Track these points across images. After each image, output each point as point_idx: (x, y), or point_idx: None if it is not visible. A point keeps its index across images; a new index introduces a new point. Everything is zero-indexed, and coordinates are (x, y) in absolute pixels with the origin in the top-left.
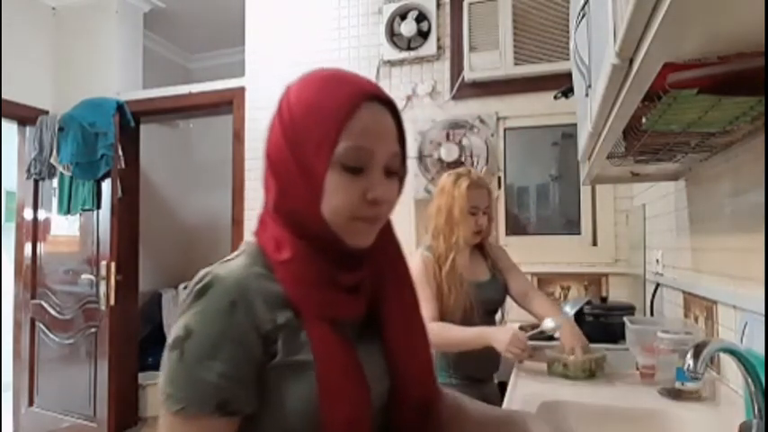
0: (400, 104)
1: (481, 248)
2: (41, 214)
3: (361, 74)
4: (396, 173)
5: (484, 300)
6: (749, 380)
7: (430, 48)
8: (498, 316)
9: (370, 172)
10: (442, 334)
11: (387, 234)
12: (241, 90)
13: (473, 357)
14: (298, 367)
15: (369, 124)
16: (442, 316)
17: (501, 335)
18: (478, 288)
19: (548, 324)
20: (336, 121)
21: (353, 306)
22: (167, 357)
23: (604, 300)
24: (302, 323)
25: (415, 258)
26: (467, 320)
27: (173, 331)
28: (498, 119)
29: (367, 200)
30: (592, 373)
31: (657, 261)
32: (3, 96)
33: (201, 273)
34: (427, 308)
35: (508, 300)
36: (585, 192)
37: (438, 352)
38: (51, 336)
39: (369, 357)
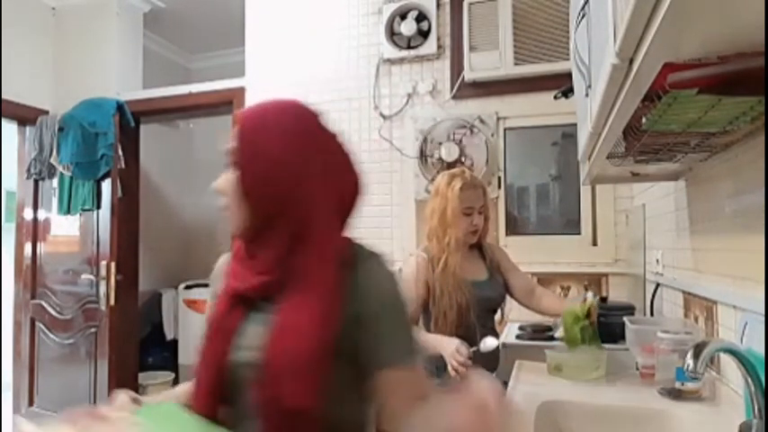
0: (401, 102)
1: (479, 248)
2: (41, 214)
3: (359, 72)
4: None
5: (481, 298)
6: (749, 380)
7: (430, 47)
8: (498, 316)
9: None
10: None
11: (294, 238)
12: (241, 90)
13: (474, 355)
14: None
15: None
16: (437, 315)
17: (448, 345)
18: (475, 287)
19: (487, 343)
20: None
21: (249, 283)
22: None
23: (604, 300)
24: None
25: (410, 260)
26: (462, 319)
27: None
28: (498, 119)
29: None
30: (589, 372)
31: (657, 261)
32: (3, 96)
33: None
34: None
35: (509, 300)
36: (585, 192)
37: (438, 356)
38: (51, 336)
39: (254, 327)
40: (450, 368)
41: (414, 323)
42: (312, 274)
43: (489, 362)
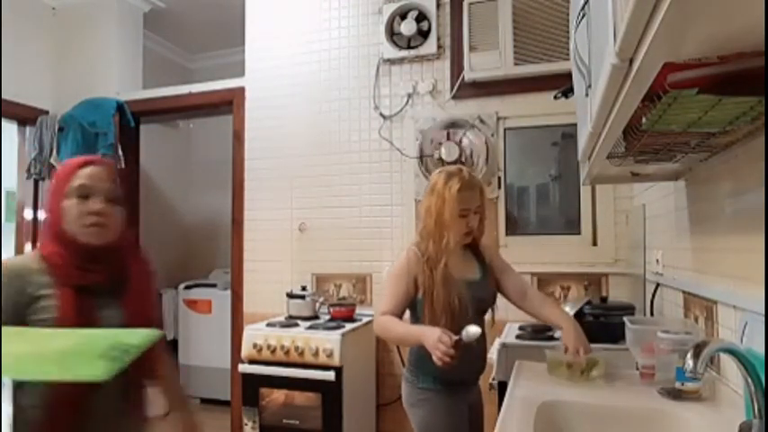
0: (401, 102)
1: (473, 247)
2: (41, 214)
3: (360, 72)
4: (114, 199)
5: (473, 299)
6: (749, 380)
7: (430, 47)
8: (488, 316)
9: (92, 199)
10: (387, 326)
11: (130, 246)
12: (241, 90)
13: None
14: (48, 307)
15: (88, 173)
16: (431, 319)
17: (430, 335)
18: (469, 287)
19: (469, 331)
20: (71, 173)
21: (87, 278)
22: None
23: (604, 300)
24: (55, 285)
25: (402, 254)
26: (459, 319)
27: None
28: (498, 119)
29: (90, 211)
30: (589, 372)
31: (657, 261)
32: (3, 96)
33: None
34: (387, 301)
35: (498, 300)
36: (585, 192)
37: (421, 360)
38: None
39: (107, 307)
40: (435, 359)
41: (398, 317)
42: (143, 274)
43: (474, 365)
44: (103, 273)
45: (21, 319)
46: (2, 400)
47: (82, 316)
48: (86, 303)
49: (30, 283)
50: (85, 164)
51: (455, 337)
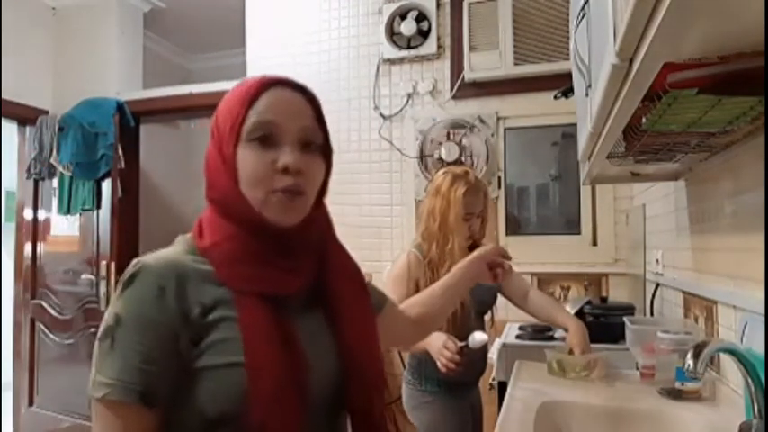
0: (401, 102)
1: (472, 249)
2: (41, 214)
3: (360, 72)
4: (316, 147)
5: (475, 301)
6: (749, 380)
7: (430, 47)
8: (487, 317)
9: (281, 145)
10: None
11: (326, 230)
12: None
13: (462, 351)
14: (226, 341)
15: (274, 102)
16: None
17: (435, 341)
18: (470, 289)
19: (476, 337)
20: (242, 103)
21: (286, 282)
22: (98, 347)
23: (604, 300)
24: (233, 300)
25: (402, 256)
26: (461, 322)
27: (105, 320)
28: (498, 119)
29: (277, 168)
30: (589, 372)
31: (657, 261)
32: (3, 96)
33: (133, 262)
34: None
35: (498, 300)
36: (585, 192)
37: (422, 363)
38: (51, 336)
39: (312, 333)
40: (439, 365)
41: None
42: (349, 271)
43: (475, 367)
44: (303, 274)
45: (177, 365)
46: (1, 401)
47: (284, 356)
48: (286, 331)
49: (189, 297)
50: (269, 85)
51: (460, 344)
